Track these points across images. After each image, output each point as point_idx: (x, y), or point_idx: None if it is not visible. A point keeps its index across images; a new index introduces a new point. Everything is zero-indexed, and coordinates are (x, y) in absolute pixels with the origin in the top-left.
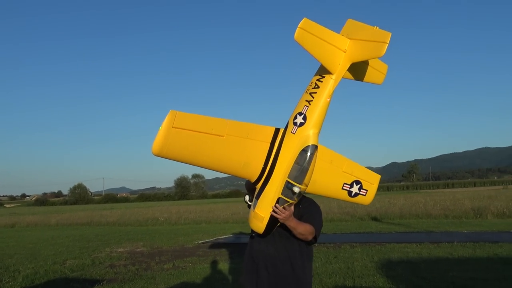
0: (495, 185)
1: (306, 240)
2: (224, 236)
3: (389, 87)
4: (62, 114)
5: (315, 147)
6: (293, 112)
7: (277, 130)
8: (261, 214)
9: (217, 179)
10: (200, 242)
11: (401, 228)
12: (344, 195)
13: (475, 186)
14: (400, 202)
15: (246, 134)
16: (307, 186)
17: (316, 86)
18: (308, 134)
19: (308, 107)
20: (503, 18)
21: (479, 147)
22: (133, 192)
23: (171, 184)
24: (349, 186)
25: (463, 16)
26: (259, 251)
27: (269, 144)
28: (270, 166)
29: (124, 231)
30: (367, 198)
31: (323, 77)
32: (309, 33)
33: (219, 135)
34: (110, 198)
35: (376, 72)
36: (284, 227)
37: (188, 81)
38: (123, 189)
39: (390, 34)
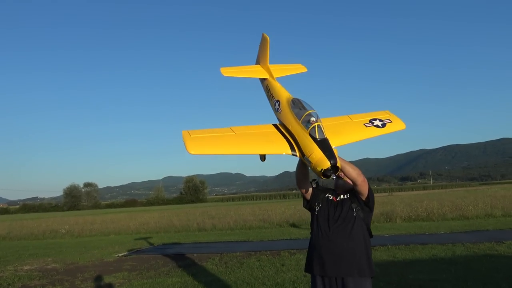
0: (378, 192)
1: (359, 191)
2: (145, 247)
3: None
4: None
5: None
6: (273, 109)
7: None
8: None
9: (108, 188)
10: (120, 255)
11: None
12: (375, 131)
13: None
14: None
15: (252, 129)
16: (317, 115)
17: (267, 88)
18: (285, 101)
19: (273, 96)
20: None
21: (362, 157)
22: (11, 202)
23: (57, 193)
24: (370, 124)
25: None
26: (326, 239)
27: (274, 128)
28: (286, 132)
29: (20, 245)
30: (398, 123)
31: (264, 80)
32: (230, 72)
33: (231, 133)
34: None
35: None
36: (346, 216)
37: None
38: None
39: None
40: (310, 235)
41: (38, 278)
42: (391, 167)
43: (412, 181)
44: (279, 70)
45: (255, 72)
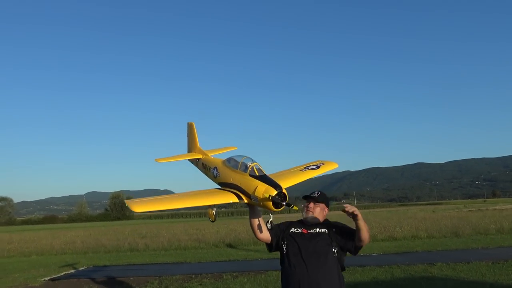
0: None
1: (359, 247)
2: (75, 270)
3: None
4: None
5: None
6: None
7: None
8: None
9: (24, 202)
10: (46, 279)
11: (261, 254)
12: (311, 173)
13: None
14: (239, 228)
15: (196, 191)
16: (252, 160)
17: (203, 165)
18: (220, 163)
19: (210, 167)
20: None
21: None
22: None
23: None
24: (305, 169)
25: None
26: (300, 275)
27: (217, 188)
28: (230, 188)
29: None
30: (330, 164)
31: (199, 160)
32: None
33: (174, 195)
34: None
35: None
36: (321, 250)
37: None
38: None
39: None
40: (281, 272)
41: None
42: (318, 187)
43: (337, 201)
44: (211, 151)
45: (189, 155)
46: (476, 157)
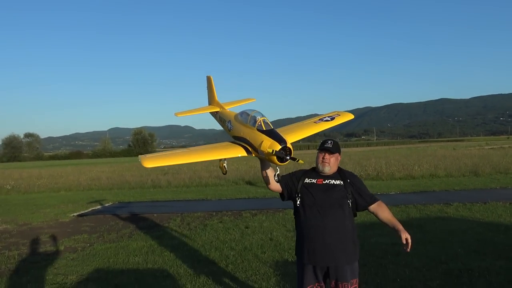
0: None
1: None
2: (101, 206)
3: None
4: None
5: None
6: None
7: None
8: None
9: (50, 138)
10: (75, 214)
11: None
12: (325, 124)
13: (308, 149)
14: (258, 165)
15: (206, 146)
16: (261, 114)
17: (220, 118)
18: (233, 117)
19: (225, 120)
20: None
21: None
22: None
23: None
24: (320, 121)
25: None
26: (315, 226)
27: (228, 142)
28: (240, 141)
29: None
30: (346, 115)
31: (217, 113)
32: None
33: (185, 150)
34: None
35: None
36: (336, 203)
37: None
38: None
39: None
40: (295, 223)
41: None
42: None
43: (357, 137)
44: (229, 104)
45: (207, 108)
46: (503, 93)
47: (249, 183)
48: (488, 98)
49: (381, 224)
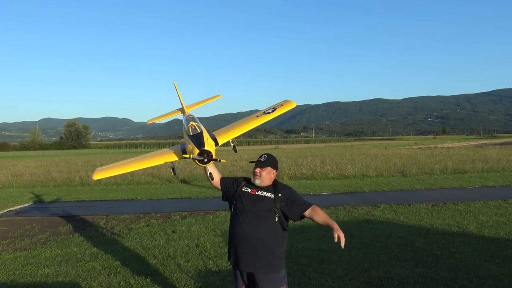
0: (265, 144)
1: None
2: (19, 207)
3: None
4: None
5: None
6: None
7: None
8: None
9: None
10: None
11: (213, 191)
12: (264, 118)
13: (249, 144)
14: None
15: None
16: (195, 119)
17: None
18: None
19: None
20: None
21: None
22: None
23: None
24: (262, 114)
25: None
26: (241, 233)
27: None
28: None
29: None
30: (288, 104)
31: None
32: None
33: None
34: None
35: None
36: (262, 215)
37: None
38: None
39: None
40: (229, 224)
41: None
42: (278, 120)
43: (296, 133)
44: (195, 104)
45: (173, 113)
46: (431, 95)
47: (184, 181)
48: (418, 99)
49: (309, 229)
